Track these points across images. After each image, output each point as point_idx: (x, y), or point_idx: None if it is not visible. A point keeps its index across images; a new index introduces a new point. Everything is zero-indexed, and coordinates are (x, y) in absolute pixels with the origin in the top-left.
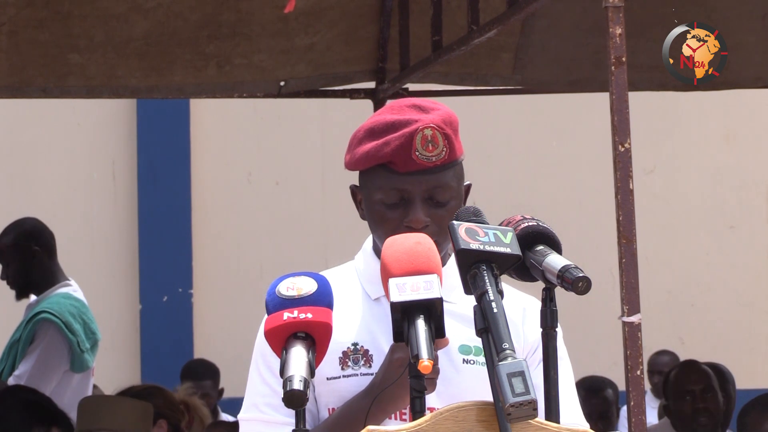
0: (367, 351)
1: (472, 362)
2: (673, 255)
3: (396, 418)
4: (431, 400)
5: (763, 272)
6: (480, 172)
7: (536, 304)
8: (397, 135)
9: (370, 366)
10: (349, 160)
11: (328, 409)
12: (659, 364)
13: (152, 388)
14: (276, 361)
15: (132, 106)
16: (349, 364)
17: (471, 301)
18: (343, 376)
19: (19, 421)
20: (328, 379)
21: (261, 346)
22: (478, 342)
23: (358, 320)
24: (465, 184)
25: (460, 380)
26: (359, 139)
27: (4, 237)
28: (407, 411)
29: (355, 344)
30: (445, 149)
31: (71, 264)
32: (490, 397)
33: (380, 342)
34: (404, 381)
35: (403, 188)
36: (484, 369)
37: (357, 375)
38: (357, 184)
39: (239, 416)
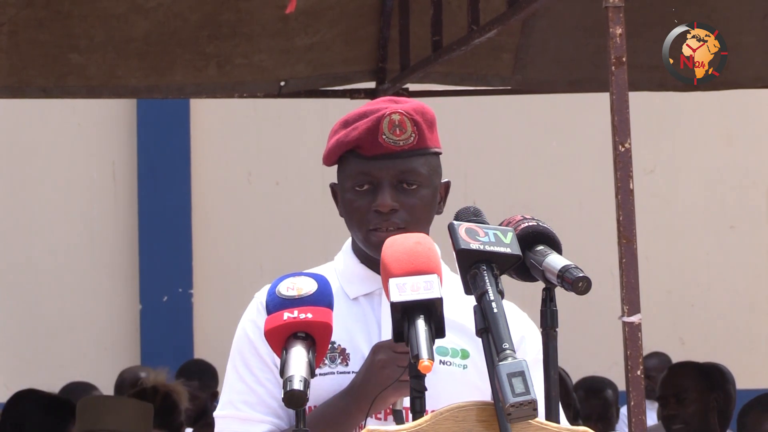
0: (344, 350)
1: (448, 363)
2: (673, 255)
3: (385, 419)
4: (406, 400)
5: (763, 272)
6: (480, 172)
7: (513, 309)
8: (365, 120)
9: (347, 365)
10: (324, 153)
11: (311, 412)
12: (647, 368)
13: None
14: (254, 360)
15: (132, 106)
16: (326, 362)
17: (452, 303)
18: (320, 375)
19: (41, 423)
20: None
21: (239, 344)
22: (456, 344)
23: (336, 319)
24: (444, 180)
25: (436, 381)
26: (334, 131)
27: None
28: (381, 412)
29: (332, 343)
30: (414, 135)
31: (71, 264)
32: (465, 398)
33: (357, 341)
34: (386, 383)
35: (370, 172)
36: (461, 370)
37: (333, 373)
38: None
39: (215, 413)
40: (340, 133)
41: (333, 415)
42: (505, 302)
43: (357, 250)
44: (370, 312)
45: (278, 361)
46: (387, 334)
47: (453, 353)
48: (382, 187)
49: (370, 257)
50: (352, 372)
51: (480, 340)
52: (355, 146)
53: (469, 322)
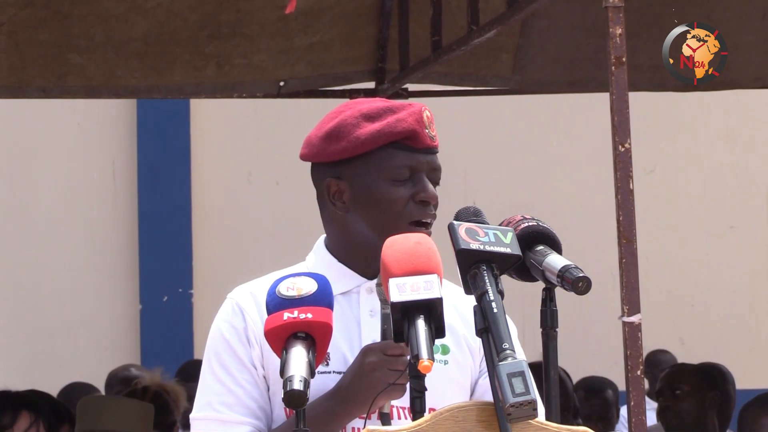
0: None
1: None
2: (673, 255)
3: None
4: (393, 402)
5: (763, 272)
6: (480, 172)
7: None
8: (406, 113)
9: (327, 364)
10: (347, 145)
11: (285, 409)
12: (664, 362)
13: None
14: (231, 360)
15: (132, 106)
16: None
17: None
18: None
19: None
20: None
21: (214, 344)
22: (441, 341)
23: None
24: None
25: (425, 378)
26: (352, 125)
27: None
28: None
29: None
30: (436, 133)
31: (71, 264)
32: (446, 393)
33: (337, 340)
34: (376, 385)
35: (415, 165)
36: (442, 366)
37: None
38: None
39: (192, 416)
40: (376, 125)
41: (319, 417)
42: (452, 285)
43: (333, 248)
44: (349, 311)
45: (256, 361)
46: (366, 332)
47: (434, 349)
48: (424, 180)
49: (347, 255)
50: (333, 372)
51: (459, 335)
52: (405, 137)
53: (450, 317)
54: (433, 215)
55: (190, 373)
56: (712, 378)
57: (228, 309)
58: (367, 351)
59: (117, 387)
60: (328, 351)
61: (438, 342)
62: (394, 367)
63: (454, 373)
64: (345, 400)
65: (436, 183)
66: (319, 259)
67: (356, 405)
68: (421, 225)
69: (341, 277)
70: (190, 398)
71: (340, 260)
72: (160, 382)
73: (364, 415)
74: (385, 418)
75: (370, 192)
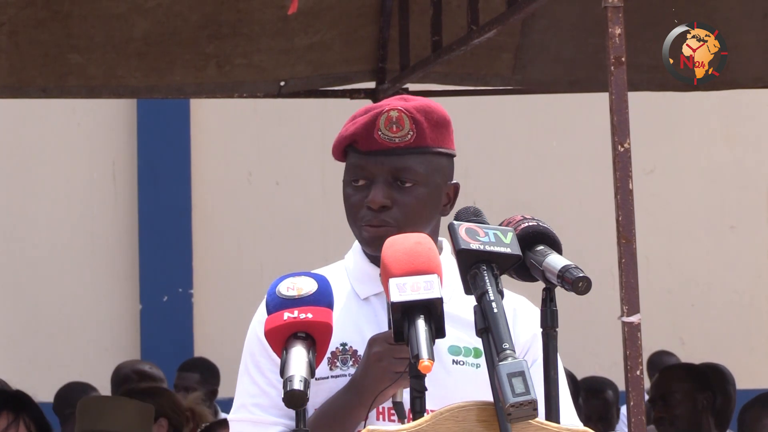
0: (356, 351)
1: (461, 363)
2: (673, 255)
3: (385, 419)
4: (407, 392)
5: (763, 272)
6: (480, 172)
7: (526, 305)
8: (365, 117)
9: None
10: (333, 144)
11: (315, 410)
12: (668, 363)
13: (156, 388)
14: (265, 361)
15: (132, 106)
16: (338, 364)
17: (461, 300)
18: (332, 377)
19: None
20: (316, 379)
21: (250, 346)
22: (467, 343)
23: (347, 320)
24: (452, 182)
25: (450, 381)
26: (344, 125)
27: None
28: (384, 411)
29: (343, 344)
30: (411, 132)
31: (71, 264)
32: (479, 398)
33: None
34: (383, 375)
35: (366, 167)
36: (474, 370)
37: (345, 375)
38: None
39: (229, 417)
40: (343, 128)
41: (336, 411)
42: (517, 297)
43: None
44: (382, 312)
45: None
46: None
47: (466, 352)
48: (376, 184)
49: (372, 255)
50: None
51: None
52: (352, 141)
53: None
54: (385, 221)
55: (192, 366)
56: (703, 379)
57: (263, 310)
58: (372, 342)
59: (131, 375)
60: (360, 353)
61: (470, 345)
62: (400, 355)
63: (487, 376)
64: (358, 392)
65: (404, 183)
66: (356, 259)
67: (368, 396)
68: (372, 227)
69: (374, 278)
70: (191, 390)
71: (372, 261)
72: (192, 405)
73: (383, 411)
74: (399, 408)
75: (342, 193)
